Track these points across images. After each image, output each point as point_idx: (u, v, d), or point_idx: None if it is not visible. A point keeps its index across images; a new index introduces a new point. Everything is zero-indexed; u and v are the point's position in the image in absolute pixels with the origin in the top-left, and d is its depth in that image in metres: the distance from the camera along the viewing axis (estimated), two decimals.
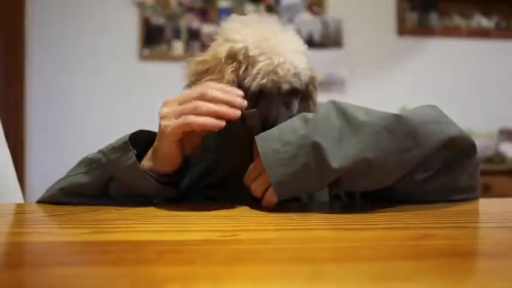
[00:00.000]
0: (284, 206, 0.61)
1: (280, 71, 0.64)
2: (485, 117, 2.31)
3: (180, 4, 2.40)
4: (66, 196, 0.65)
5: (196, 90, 0.59)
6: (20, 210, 0.65)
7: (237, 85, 0.65)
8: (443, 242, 0.42)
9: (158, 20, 2.39)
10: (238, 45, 0.66)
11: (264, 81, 0.64)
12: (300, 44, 0.68)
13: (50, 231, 0.48)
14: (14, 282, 0.30)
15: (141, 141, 0.64)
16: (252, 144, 0.62)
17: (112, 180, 0.63)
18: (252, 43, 0.65)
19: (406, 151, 0.59)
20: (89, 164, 0.64)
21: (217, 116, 0.56)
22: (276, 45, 0.64)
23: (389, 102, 2.42)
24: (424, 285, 0.29)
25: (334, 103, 0.61)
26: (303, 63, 0.66)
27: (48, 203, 0.66)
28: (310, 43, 2.37)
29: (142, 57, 2.35)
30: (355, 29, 2.37)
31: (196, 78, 0.68)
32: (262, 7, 2.41)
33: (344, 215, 0.57)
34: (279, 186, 0.58)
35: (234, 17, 0.70)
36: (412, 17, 2.39)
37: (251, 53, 0.65)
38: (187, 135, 0.59)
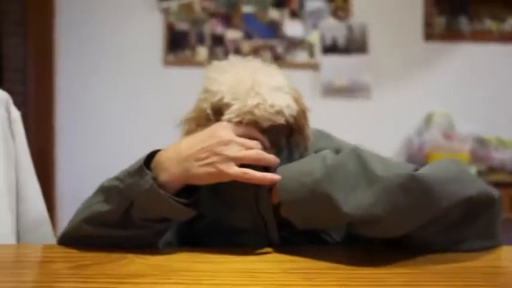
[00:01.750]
0: (298, 252, 0.62)
1: (257, 112, 0.64)
2: None
3: (204, 9, 2.41)
4: (89, 226, 0.65)
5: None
6: (45, 258, 0.68)
7: None
8: None
9: (182, 25, 2.41)
10: (216, 98, 0.67)
11: (240, 118, 0.65)
12: (280, 80, 0.68)
13: None
14: None
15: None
16: (256, 193, 0.67)
17: (132, 206, 0.64)
18: (227, 90, 0.66)
19: (419, 209, 0.59)
20: (106, 191, 0.65)
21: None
22: (251, 87, 0.65)
23: (416, 109, 2.38)
24: None
25: (355, 151, 0.62)
26: (283, 100, 0.66)
27: (72, 237, 0.67)
28: (335, 49, 2.34)
29: (167, 63, 2.38)
30: (380, 34, 2.32)
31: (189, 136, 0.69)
32: (286, 12, 2.40)
33: (359, 274, 0.57)
34: (297, 222, 0.64)
35: (215, 64, 0.71)
36: (440, 21, 2.32)
37: (225, 100, 0.66)
38: None
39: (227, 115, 0.65)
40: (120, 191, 0.63)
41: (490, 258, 0.63)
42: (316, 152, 0.70)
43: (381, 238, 0.65)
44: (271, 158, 0.64)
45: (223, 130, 0.64)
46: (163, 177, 0.63)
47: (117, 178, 0.64)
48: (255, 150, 0.64)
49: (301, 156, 0.71)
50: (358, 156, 0.61)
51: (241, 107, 0.64)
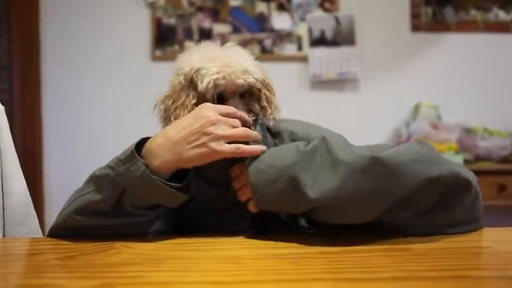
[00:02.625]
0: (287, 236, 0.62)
1: (228, 69, 0.69)
2: (502, 115, 2.25)
3: (191, 4, 2.40)
4: (80, 216, 0.65)
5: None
6: (32, 250, 0.67)
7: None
8: None
9: (170, 20, 2.40)
10: (187, 69, 0.71)
11: (214, 77, 0.68)
12: (243, 52, 0.74)
13: (61, 283, 0.50)
14: None
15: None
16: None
17: (124, 194, 0.64)
18: (196, 61, 0.71)
19: (382, 191, 0.61)
20: (97, 180, 0.65)
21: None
22: (219, 56, 0.71)
23: (404, 100, 2.39)
24: None
25: (325, 139, 0.64)
26: (247, 62, 0.71)
27: (63, 228, 0.67)
28: (323, 41, 2.35)
29: (155, 58, 2.36)
30: (368, 26, 2.33)
31: (167, 114, 0.71)
32: (273, 4, 2.39)
33: (345, 257, 0.58)
34: (259, 202, 0.64)
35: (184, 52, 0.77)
36: (427, 12, 2.34)
37: (197, 66, 0.70)
38: None
39: (201, 73, 0.68)
40: (112, 179, 0.63)
41: (472, 239, 0.64)
42: (290, 136, 0.72)
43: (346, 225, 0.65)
44: (256, 134, 0.67)
45: (208, 111, 0.65)
46: (156, 163, 0.63)
47: (108, 166, 0.64)
48: (242, 128, 0.66)
49: (275, 143, 0.73)
50: (327, 144, 0.64)
51: (211, 67, 0.68)
